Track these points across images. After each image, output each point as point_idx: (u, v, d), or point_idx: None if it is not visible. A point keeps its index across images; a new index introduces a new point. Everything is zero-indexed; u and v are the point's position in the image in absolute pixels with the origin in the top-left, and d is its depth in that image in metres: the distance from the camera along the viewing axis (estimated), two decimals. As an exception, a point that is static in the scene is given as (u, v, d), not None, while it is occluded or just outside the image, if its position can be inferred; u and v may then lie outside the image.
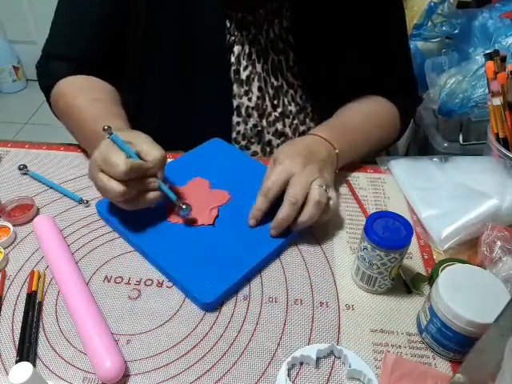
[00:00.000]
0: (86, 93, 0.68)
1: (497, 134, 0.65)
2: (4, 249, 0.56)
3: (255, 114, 0.74)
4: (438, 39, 1.18)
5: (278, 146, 0.77)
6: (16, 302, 0.51)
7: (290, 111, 0.75)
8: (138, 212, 0.55)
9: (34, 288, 0.51)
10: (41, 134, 2.10)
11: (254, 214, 0.57)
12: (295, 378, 0.44)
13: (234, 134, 0.75)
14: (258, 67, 0.72)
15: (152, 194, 0.54)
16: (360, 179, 0.69)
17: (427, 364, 0.46)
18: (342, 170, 0.70)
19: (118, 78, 0.74)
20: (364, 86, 0.74)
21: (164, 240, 0.56)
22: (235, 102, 0.73)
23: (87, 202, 0.63)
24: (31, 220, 0.60)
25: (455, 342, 0.44)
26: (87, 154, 0.72)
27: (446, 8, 1.15)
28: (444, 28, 1.13)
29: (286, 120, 0.76)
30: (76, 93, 0.68)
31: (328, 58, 0.72)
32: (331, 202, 0.57)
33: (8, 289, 0.52)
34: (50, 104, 0.75)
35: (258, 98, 0.73)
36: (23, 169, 0.68)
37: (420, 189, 0.63)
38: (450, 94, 0.97)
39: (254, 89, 0.73)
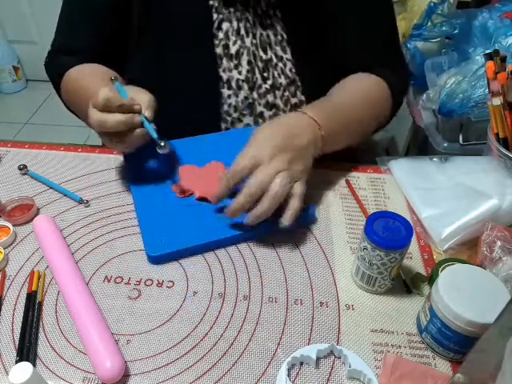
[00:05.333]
0: (94, 76, 0.71)
1: (497, 134, 0.65)
2: (4, 249, 0.57)
3: (245, 86, 0.75)
4: (438, 39, 1.18)
5: (270, 117, 0.77)
6: (16, 302, 0.51)
7: (280, 83, 0.76)
8: (150, 177, 0.64)
9: (34, 288, 0.51)
10: (41, 134, 2.10)
11: (217, 194, 0.57)
12: (295, 378, 0.44)
13: (225, 107, 0.75)
14: (247, 42, 0.73)
15: (138, 131, 0.57)
16: (360, 179, 0.69)
17: (427, 364, 0.46)
18: (342, 169, 0.70)
19: (124, 67, 0.76)
20: (351, 59, 0.76)
21: (156, 199, 0.62)
22: (225, 76, 0.74)
23: (87, 201, 0.63)
24: (31, 220, 0.60)
25: (455, 342, 0.44)
26: (87, 153, 0.72)
27: (446, 8, 1.15)
28: (444, 28, 1.13)
29: (277, 92, 0.76)
30: (85, 76, 0.71)
31: (315, 31, 0.74)
32: (296, 197, 0.55)
33: (8, 289, 0.52)
34: (59, 94, 0.78)
35: (248, 71, 0.74)
36: (23, 169, 0.68)
37: (420, 189, 0.63)
38: (450, 93, 0.97)
39: (244, 62, 0.74)
